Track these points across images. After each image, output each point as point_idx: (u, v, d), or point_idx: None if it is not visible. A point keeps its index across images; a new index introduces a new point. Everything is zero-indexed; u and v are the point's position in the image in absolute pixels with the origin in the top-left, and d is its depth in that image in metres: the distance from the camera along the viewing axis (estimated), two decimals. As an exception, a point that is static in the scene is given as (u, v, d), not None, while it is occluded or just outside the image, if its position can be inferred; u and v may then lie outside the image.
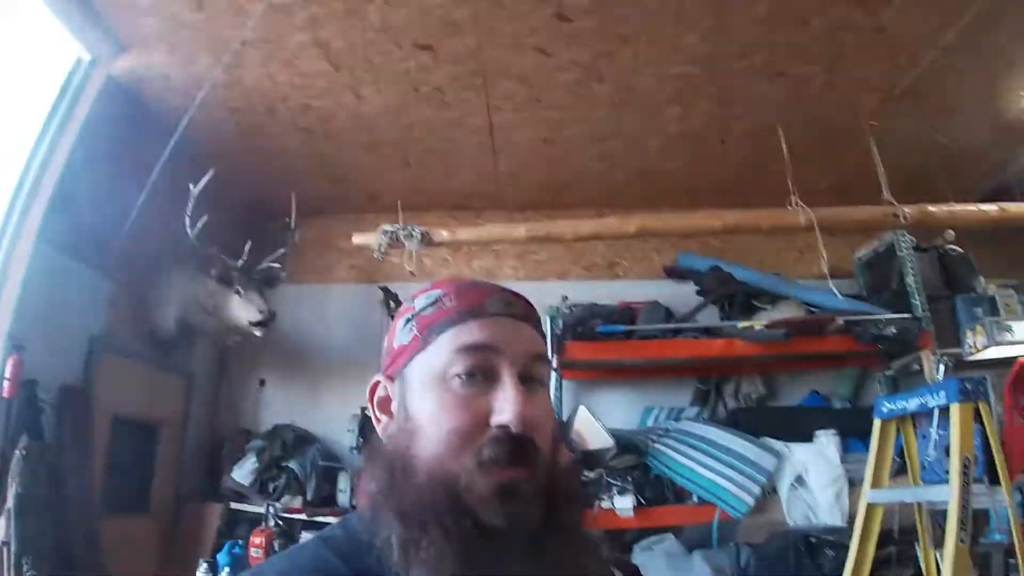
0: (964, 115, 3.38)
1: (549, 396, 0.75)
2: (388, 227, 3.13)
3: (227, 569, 2.86)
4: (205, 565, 2.83)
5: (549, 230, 3.07)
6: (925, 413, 2.35)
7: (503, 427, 0.64)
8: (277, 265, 3.35)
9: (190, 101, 2.81)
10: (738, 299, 3.45)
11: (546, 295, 3.28)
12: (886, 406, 2.44)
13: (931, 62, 2.93)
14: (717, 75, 2.99)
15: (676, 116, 3.26)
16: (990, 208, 3.24)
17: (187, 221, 2.94)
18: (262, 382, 3.79)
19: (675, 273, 3.85)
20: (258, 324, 3.14)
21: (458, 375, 0.66)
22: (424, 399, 0.68)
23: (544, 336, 0.76)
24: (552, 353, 3.15)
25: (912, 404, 2.33)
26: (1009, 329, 3.23)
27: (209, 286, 3.14)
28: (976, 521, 2.87)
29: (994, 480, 2.27)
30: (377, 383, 0.75)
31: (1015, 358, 3.26)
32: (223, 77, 2.79)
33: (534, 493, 0.63)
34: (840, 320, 3.15)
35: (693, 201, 3.88)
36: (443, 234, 3.16)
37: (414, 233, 3.12)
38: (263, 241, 3.37)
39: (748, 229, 3.22)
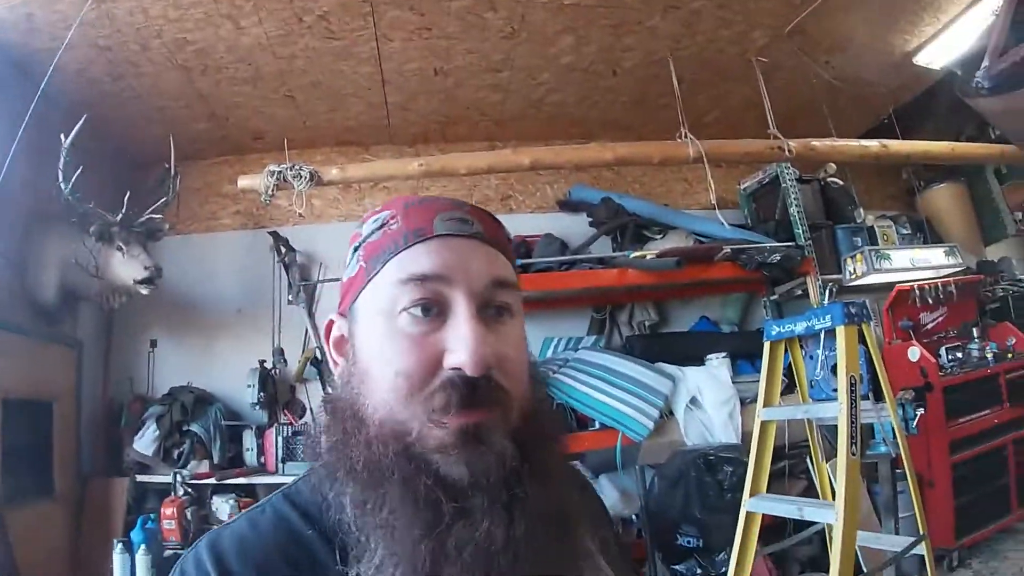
0: (850, 54, 3.43)
1: (520, 325, 0.63)
2: (275, 167, 2.87)
3: (143, 546, 2.72)
4: (120, 545, 2.70)
5: (442, 164, 2.90)
6: (812, 335, 2.40)
7: (457, 369, 0.56)
8: (159, 216, 3.08)
9: (58, 42, 2.52)
10: (630, 230, 3.46)
11: (441, 232, 3.17)
12: (775, 329, 2.47)
13: (821, 1, 2.92)
14: (611, 6, 2.88)
15: (569, 47, 3.15)
16: (872, 144, 3.32)
17: (60, 175, 2.66)
18: (153, 343, 3.50)
19: (568, 205, 3.83)
20: (144, 282, 2.93)
21: (406, 310, 0.58)
22: (371, 339, 0.60)
23: (512, 255, 0.66)
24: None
25: (799, 327, 2.38)
26: (887, 257, 3.39)
27: (89, 245, 2.88)
28: (862, 434, 3.10)
29: (879, 397, 2.39)
30: (331, 323, 0.67)
31: (893, 284, 3.50)
32: (92, 12, 2.50)
33: (502, 437, 0.55)
34: (727, 249, 3.20)
35: (585, 133, 3.82)
36: (333, 172, 2.93)
37: (302, 172, 2.89)
38: (142, 191, 3.11)
39: (639, 161, 3.18)
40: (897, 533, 2.86)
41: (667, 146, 3.06)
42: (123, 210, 2.91)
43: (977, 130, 4.04)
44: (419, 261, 0.59)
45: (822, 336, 2.39)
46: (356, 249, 0.64)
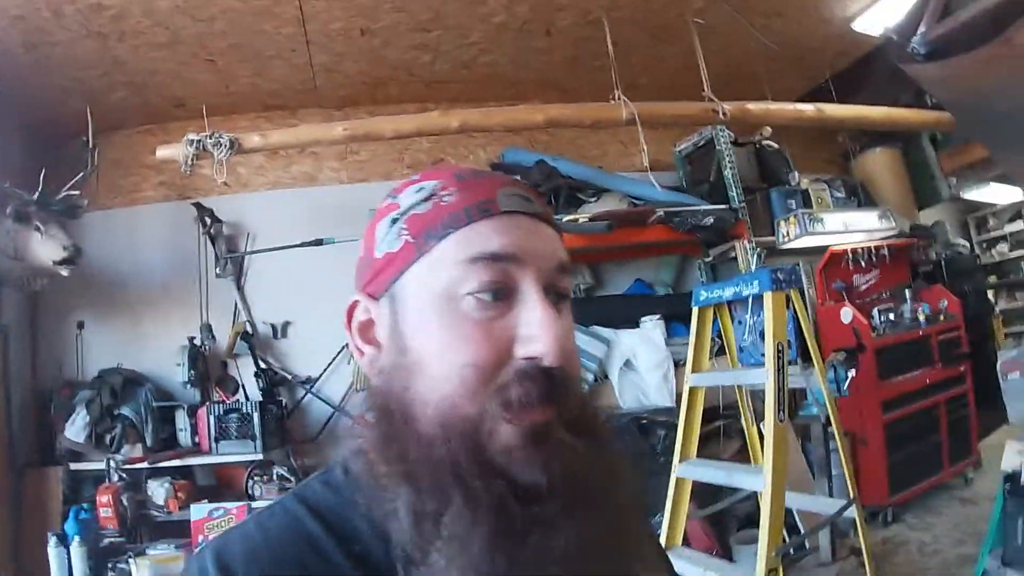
0: (788, 18, 3.34)
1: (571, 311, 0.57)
2: (193, 136, 2.73)
3: (77, 538, 2.62)
4: (55, 539, 2.61)
5: (368, 128, 2.76)
6: (740, 300, 2.35)
7: (533, 359, 0.50)
8: (77, 192, 2.92)
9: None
10: (563, 193, 3.36)
11: (372, 198, 3.04)
12: (703, 294, 2.41)
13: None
14: (545, -38, 2.69)
15: (501, 5, 3.00)
16: (807, 108, 3.25)
17: (-29, 155, 2.48)
18: (80, 325, 3.33)
19: (502, 168, 3.64)
20: (64, 262, 2.79)
21: (472, 294, 0.51)
22: (426, 325, 0.52)
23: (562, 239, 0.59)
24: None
25: (727, 293, 2.31)
26: (820, 220, 3.34)
27: (6, 226, 2.73)
28: (795, 396, 3.08)
29: (808, 361, 2.36)
30: (356, 303, 0.58)
31: (826, 247, 3.51)
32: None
33: (570, 435, 0.50)
34: (661, 211, 3.13)
35: (519, 95, 3.70)
36: (255, 139, 2.79)
37: (222, 140, 2.77)
38: (60, 166, 2.92)
39: (571, 123, 3.08)
40: (831, 492, 2.87)
41: (600, 108, 2.95)
42: (40, 187, 2.74)
43: (914, 97, 4.02)
44: (489, 238, 0.52)
45: (750, 301, 2.35)
46: (395, 221, 0.55)
